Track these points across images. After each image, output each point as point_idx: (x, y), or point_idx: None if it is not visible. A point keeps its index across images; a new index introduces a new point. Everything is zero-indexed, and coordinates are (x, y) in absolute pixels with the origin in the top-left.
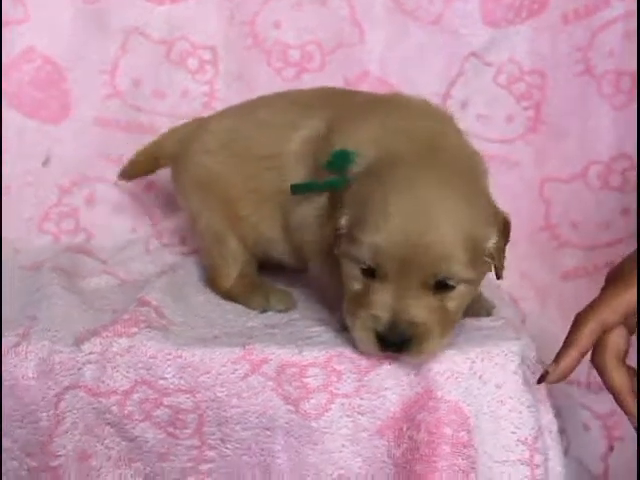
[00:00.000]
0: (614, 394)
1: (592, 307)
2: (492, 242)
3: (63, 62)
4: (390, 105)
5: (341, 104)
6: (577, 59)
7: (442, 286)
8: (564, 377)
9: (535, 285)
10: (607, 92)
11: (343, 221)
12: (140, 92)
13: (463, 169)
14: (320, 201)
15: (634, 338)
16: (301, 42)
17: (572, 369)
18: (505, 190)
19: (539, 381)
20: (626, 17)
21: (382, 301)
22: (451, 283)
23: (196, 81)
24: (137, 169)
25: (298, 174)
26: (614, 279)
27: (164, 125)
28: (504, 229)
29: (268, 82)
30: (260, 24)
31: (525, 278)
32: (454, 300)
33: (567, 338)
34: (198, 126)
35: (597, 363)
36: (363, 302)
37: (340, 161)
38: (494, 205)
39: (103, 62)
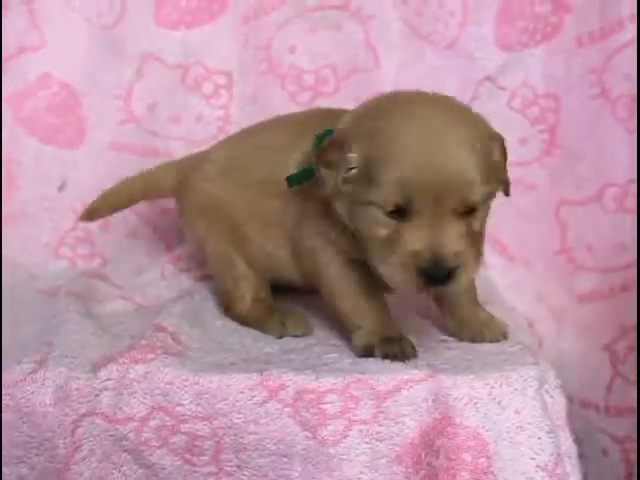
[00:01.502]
0: None
1: None
2: (497, 155)
3: (79, 87)
4: None
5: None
6: (592, 82)
7: (469, 210)
8: None
9: (551, 308)
10: (622, 115)
11: (353, 164)
12: (155, 117)
13: (461, 104)
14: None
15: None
16: (316, 67)
17: None
18: (521, 213)
19: None
20: None
21: (419, 238)
22: (476, 205)
23: (211, 105)
24: (114, 204)
25: (298, 199)
26: None
27: (179, 150)
28: (502, 146)
29: (283, 106)
30: (275, 49)
31: (541, 301)
32: (478, 220)
33: None
34: (198, 157)
35: None
36: (396, 244)
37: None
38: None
39: (118, 87)
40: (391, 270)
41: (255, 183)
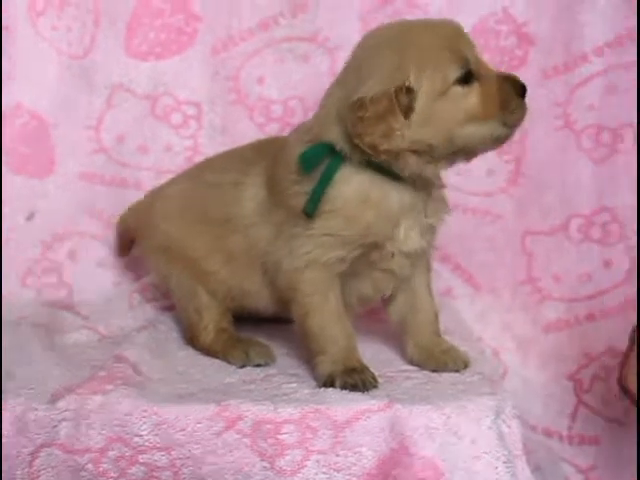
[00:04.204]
0: None
1: None
2: None
3: (49, 118)
4: None
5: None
6: (557, 114)
7: None
8: None
9: (517, 337)
10: (587, 146)
11: (412, 78)
12: (125, 147)
13: None
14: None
15: None
16: (284, 97)
17: None
18: (487, 243)
19: None
20: (606, 72)
21: (497, 73)
22: None
23: (180, 136)
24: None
25: (265, 232)
26: None
27: (148, 180)
28: None
29: (251, 137)
30: (243, 80)
31: (507, 330)
32: None
33: None
34: (153, 196)
35: None
36: (487, 92)
37: (311, 158)
38: None
39: (88, 117)
40: (505, 112)
41: (212, 221)
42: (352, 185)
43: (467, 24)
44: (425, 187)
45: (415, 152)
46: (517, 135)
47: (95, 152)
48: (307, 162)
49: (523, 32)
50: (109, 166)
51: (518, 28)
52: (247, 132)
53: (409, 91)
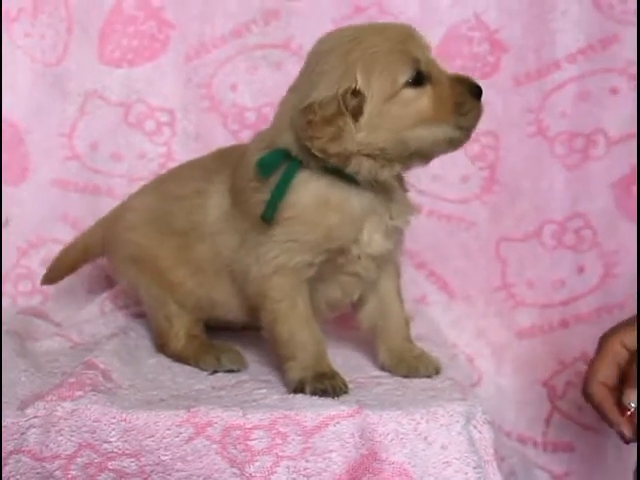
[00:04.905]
0: None
1: None
2: None
3: (23, 124)
4: None
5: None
6: (529, 120)
7: None
8: None
9: (491, 343)
10: (560, 152)
11: (360, 81)
12: (98, 154)
13: None
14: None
15: None
16: (257, 104)
17: None
18: (462, 249)
19: None
20: (579, 79)
21: (451, 75)
22: None
23: (153, 143)
24: (65, 266)
25: (230, 240)
26: None
27: (121, 187)
28: None
29: (225, 144)
30: (217, 87)
31: (482, 336)
32: None
33: None
34: (120, 209)
35: None
36: (441, 96)
37: (268, 164)
38: None
39: (62, 125)
40: (458, 115)
41: (177, 232)
42: (310, 190)
43: (440, 30)
44: (384, 190)
45: (368, 155)
46: (490, 141)
47: (68, 159)
48: (264, 168)
49: (496, 39)
50: (82, 173)
51: (491, 35)
52: (221, 139)
53: (356, 93)
